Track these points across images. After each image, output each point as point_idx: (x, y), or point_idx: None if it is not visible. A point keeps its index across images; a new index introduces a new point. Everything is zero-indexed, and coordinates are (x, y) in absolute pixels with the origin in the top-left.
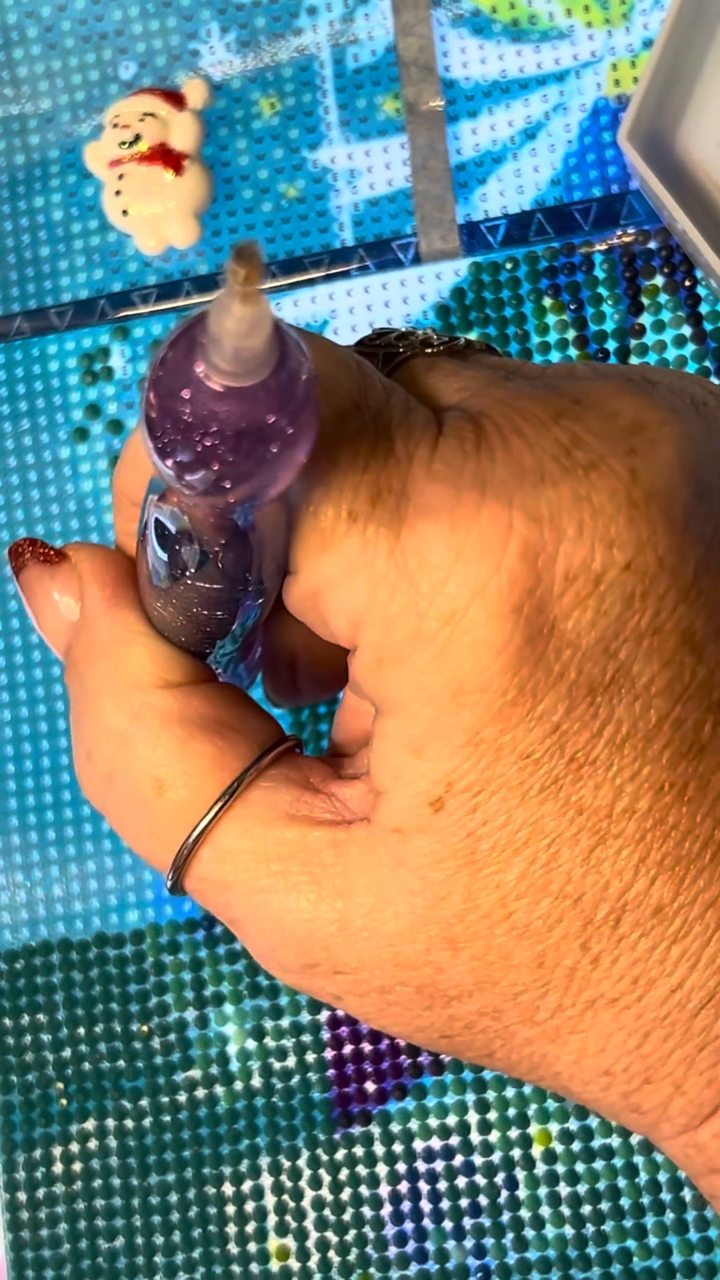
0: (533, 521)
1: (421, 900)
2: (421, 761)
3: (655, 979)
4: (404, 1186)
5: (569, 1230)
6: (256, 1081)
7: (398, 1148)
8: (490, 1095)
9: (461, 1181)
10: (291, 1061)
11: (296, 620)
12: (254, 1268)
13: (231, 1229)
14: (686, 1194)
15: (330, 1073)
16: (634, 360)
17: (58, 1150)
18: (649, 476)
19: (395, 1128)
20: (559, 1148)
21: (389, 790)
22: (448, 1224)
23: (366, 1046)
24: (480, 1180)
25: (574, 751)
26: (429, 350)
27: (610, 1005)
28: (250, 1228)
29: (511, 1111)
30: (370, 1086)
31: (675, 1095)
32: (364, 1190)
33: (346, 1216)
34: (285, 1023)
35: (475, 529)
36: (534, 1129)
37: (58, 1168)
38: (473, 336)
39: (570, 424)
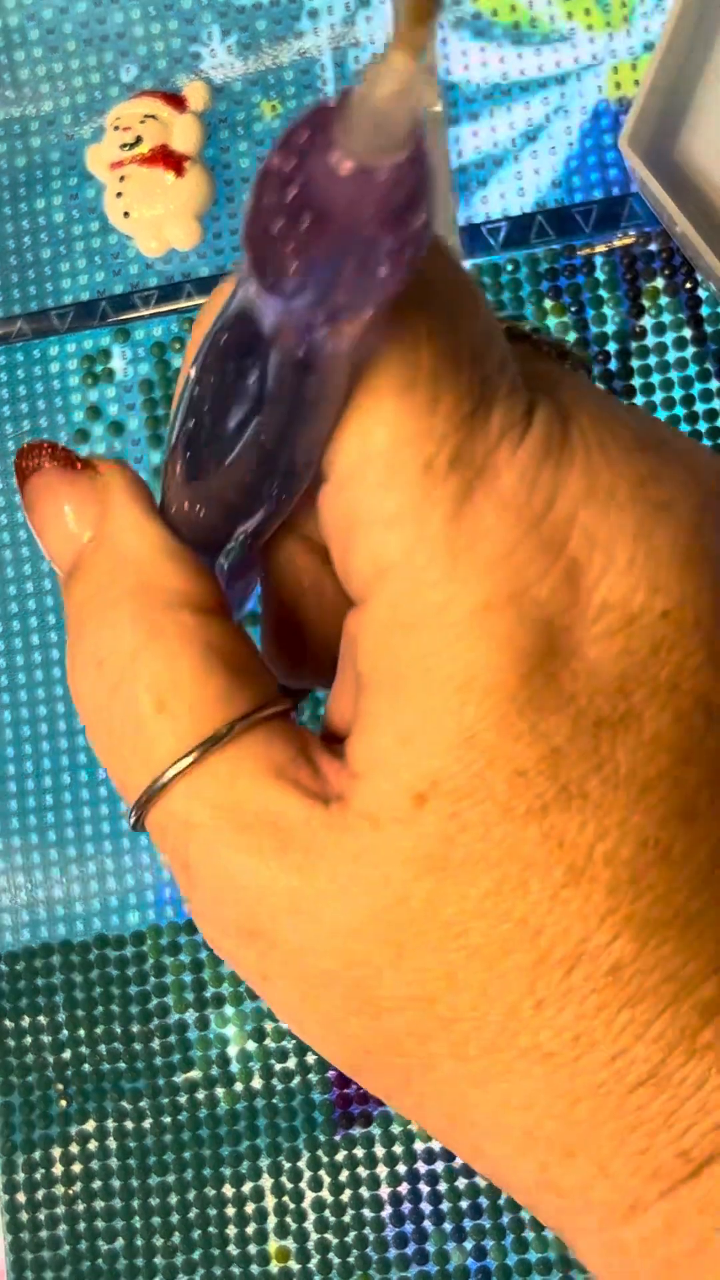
0: (589, 541)
1: (379, 897)
2: (408, 750)
3: (597, 1041)
4: (404, 1188)
5: None
6: (257, 1082)
7: (398, 1149)
8: None
9: (462, 1183)
10: (292, 1062)
11: (302, 559)
12: (254, 1269)
13: (231, 1230)
14: None
15: (330, 1073)
16: (635, 363)
17: (58, 1151)
18: (712, 537)
19: (396, 1129)
20: None
21: (367, 774)
22: (448, 1225)
23: None
24: (481, 1181)
25: (567, 780)
26: (539, 344)
27: (545, 1059)
28: (250, 1229)
29: None
30: None
31: (599, 1178)
32: (364, 1191)
33: (347, 1218)
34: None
35: (534, 534)
36: None
37: (58, 1168)
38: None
39: (653, 458)
